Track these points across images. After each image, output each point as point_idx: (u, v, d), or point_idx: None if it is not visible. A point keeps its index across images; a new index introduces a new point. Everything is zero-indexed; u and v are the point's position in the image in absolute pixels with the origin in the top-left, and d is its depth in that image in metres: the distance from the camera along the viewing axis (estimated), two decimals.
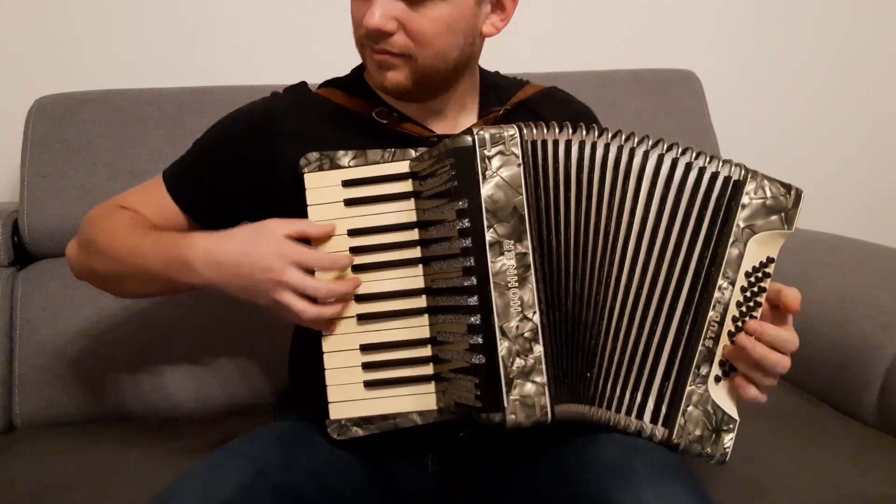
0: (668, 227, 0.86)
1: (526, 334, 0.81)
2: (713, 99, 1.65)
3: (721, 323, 0.85)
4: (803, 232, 1.62)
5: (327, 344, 0.86)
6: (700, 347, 0.85)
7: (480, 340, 0.80)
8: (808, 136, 1.92)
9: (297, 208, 0.87)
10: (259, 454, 0.82)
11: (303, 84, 1.05)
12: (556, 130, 0.84)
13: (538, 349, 0.81)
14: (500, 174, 0.81)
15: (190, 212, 1.01)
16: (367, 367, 0.86)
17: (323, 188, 0.86)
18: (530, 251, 0.81)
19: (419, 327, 0.86)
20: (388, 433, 0.87)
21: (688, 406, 0.85)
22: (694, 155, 0.86)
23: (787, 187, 0.87)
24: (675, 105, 1.60)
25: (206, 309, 1.33)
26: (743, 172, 0.86)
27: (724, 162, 0.86)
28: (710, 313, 0.85)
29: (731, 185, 0.85)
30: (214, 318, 1.34)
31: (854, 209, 1.97)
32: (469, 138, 0.81)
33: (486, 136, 0.81)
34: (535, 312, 0.81)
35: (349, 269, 0.86)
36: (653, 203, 0.85)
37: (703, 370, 0.86)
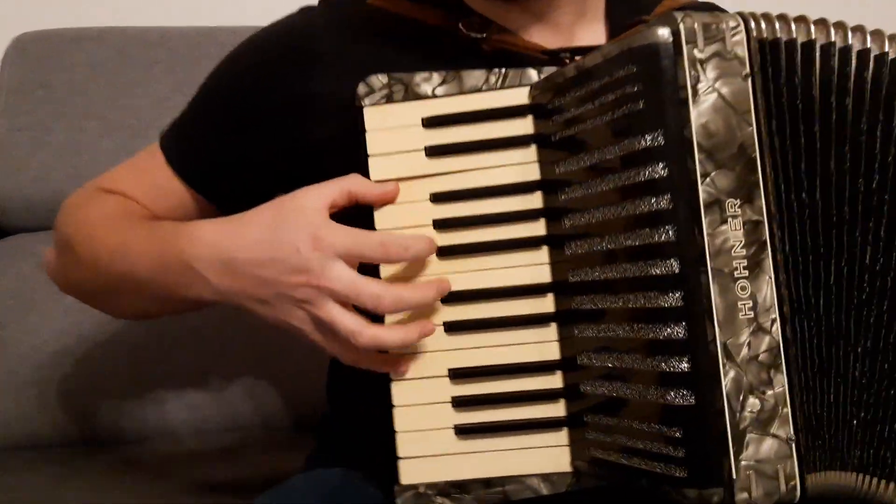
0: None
1: (761, 357, 0.57)
2: None
3: None
4: None
5: None
6: None
7: (686, 367, 0.56)
8: None
9: (350, 166, 0.66)
10: None
11: None
12: (798, 26, 0.60)
13: (780, 381, 0.57)
14: (718, 89, 0.58)
15: (201, 187, 0.82)
16: (459, 403, 0.66)
17: (393, 129, 0.67)
18: (765, 219, 0.57)
19: (544, 343, 0.65)
20: None
21: None
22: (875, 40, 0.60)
23: None
24: None
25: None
26: None
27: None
28: None
29: None
30: (236, 312, 1.17)
31: None
32: (664, 31, 0.57)
33: (697, 25, 0.57)
34: (774, 320, 0.57)
35: (433, 257, 0.65)
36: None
37: None
